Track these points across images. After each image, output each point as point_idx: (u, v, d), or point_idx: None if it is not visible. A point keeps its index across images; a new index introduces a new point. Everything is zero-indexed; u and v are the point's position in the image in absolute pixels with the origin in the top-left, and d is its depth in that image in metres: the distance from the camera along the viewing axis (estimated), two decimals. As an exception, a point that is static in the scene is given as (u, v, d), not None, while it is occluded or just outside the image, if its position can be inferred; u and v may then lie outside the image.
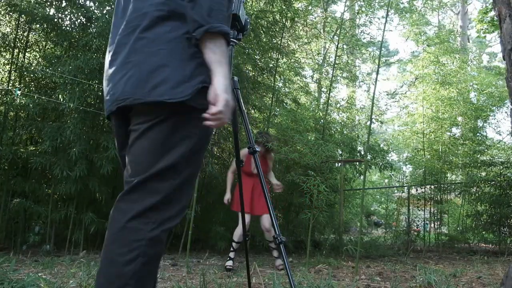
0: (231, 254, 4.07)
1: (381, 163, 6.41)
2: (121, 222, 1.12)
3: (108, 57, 1.32)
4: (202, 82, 1.16)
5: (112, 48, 1.30)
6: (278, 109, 6.61)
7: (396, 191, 10.13)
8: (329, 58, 10.57)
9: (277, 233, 1.70)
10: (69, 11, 5.03)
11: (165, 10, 1.19)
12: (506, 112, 7.85)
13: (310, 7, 8.91)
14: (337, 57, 7.04)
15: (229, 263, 3.97)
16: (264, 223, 4.17)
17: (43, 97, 4.70)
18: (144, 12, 1.21)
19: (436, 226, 7.40)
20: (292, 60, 7.40)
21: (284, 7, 6.00)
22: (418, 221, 7.82)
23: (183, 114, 1.17)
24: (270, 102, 6.31)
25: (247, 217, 3.98)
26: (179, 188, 1.18)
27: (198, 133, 1.20)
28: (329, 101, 6.76)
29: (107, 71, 1.29)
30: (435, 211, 7.37)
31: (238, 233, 4.15)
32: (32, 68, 5.04)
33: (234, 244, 4.14)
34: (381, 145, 7.31)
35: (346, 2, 7.73)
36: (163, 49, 1.16)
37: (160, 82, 1.14)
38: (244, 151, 3.77)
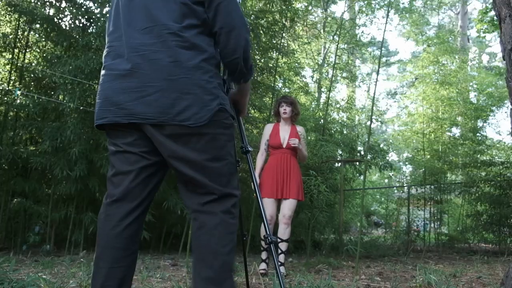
0: (263, 255, 3.61)
1: (381, 163, 6.41)
2: (215, 220, 1.36)
3: (116, 61, 1.37)
4: (219, 104, 1.38)
5: (121, 50, 1.37)
6: (278, 109, 6.58)
7: (396, 191, 10.13)
8: (329, 58, 10.56)
9: (267, 233, 1.68)
10: (69, 11, 5.04)
11: (185, 41, 1.34)
12: (506, 112, 7.86)
13: (310, 7, 8.91)
14: (337, 57, 7.04)
15: (262, 265, 3.56)
16: (283, 210, 3.54)
17: (43, 97, 4.70)
18: (163, 40, 1.32)
19: (436, 226, 7.39)
20: (292, 60, 7.40)
21: (284, 7, 5.99)
22: (418, 221, 7.82)
23: (210, 127, 1.39)
24: (270, 102, 6.31)
25: (273, 204, 3.59)
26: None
27: (230, 133, 1.46)
28: (329, 101, 6.75)
29: (115, 80, 1.36)
30: (435, 211, 7.37)
31: (263, 228, 3.52)
32: (32, 68, 5.04)
33: (262, 242, 3.63)
34: (381, 145, 7.31)
35: (346, 2, 7.72)
36: (184, 77, 1.31)
37: (184, 109, 1.30)
38: (268, 126, 3.79)
